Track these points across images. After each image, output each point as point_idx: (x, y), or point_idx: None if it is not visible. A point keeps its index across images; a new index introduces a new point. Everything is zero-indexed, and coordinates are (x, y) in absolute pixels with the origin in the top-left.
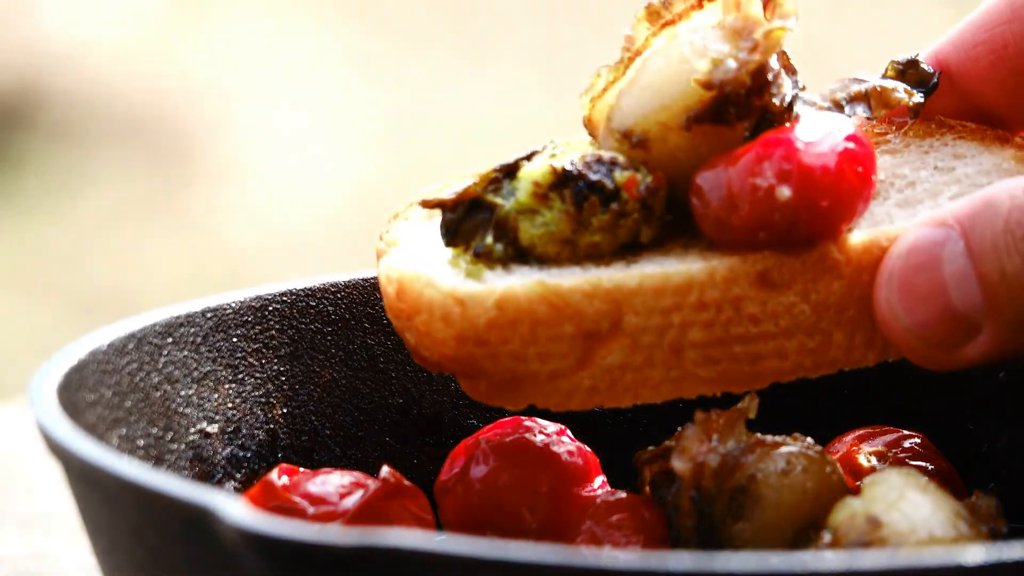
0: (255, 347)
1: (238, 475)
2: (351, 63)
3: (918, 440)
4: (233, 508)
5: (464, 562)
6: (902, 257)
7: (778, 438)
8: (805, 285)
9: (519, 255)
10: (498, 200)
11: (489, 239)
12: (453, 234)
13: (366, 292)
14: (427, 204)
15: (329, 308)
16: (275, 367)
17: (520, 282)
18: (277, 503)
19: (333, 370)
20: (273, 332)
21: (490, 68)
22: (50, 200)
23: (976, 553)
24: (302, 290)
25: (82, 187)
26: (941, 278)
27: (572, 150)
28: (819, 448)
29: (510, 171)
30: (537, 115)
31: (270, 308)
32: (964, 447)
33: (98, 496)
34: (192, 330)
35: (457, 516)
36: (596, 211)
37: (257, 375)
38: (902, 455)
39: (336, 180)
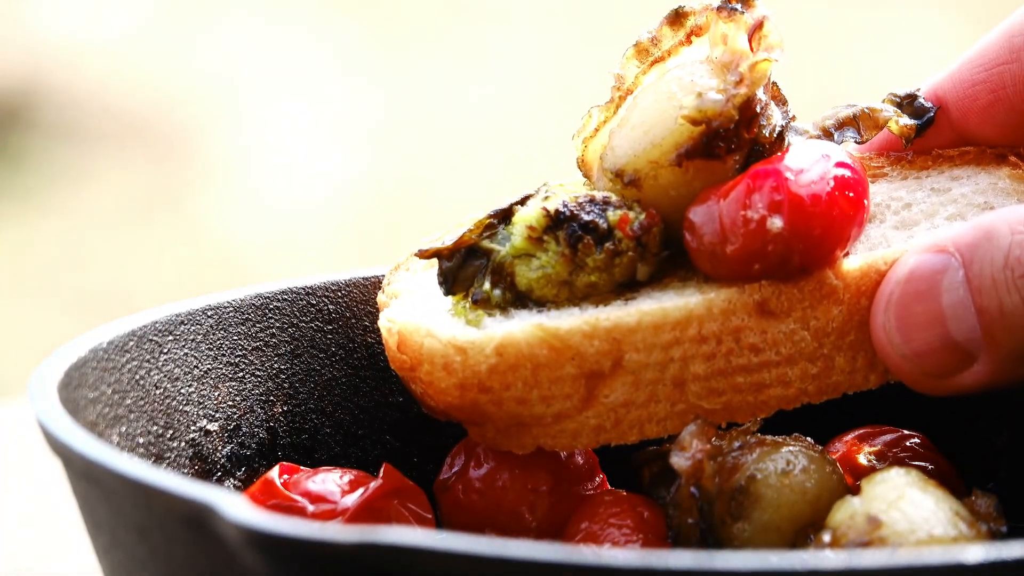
0: (255, 345)
1: (238, 473)
2: (351, 62)
3: (918, 440)
4: (234, 505)
5: (463, 560)
6: (900, 284)
7: (778, 438)
8: (804, 312)
9: (518, 299)
10: (494, 246)
11: (487, 285)
12: (451, 282)
13: (366, 291)
14: (423, 255)
15: (330, 306)
16: (275, 365)
17: (519, 326)
18: (277, 501)
19: (333, 368)
20: (274, 330)
21: (490, 68)
22: (51, 198)
23: (975, 552)
24: (303, 288)
25: (82, 185)
26: (939, 308)
27: (565, 192)
28: (819, 448)
29: (504, 216)
30: (536, 115)
31: (271, 306)
32: (964, 447)
33: (98, 493)
34: (193, 328)
35: (457, 514)
36: (591, 251)
37: (257, 373)
38: (902, 455)
39: (336, 178)
